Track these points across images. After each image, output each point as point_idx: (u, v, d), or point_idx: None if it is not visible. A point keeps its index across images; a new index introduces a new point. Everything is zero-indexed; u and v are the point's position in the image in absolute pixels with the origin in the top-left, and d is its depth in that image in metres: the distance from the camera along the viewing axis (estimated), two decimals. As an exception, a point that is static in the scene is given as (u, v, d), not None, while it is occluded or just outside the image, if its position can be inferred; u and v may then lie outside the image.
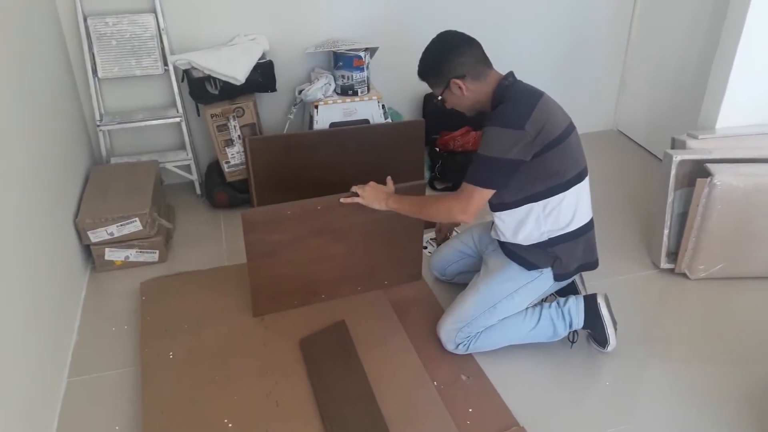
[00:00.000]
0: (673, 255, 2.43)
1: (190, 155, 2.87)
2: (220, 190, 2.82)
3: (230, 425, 1.74)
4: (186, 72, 2.66)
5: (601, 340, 2.02)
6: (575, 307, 1.99)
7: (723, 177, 2.21)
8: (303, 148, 2.78)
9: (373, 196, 1.99)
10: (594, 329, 2.02)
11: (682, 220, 2.38)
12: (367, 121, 2.85)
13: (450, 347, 1.99)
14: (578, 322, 1.99)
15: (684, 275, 2.42)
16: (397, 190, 2.05)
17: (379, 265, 2.28)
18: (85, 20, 2.57)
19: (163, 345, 2.02)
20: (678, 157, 2.31)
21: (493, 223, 1.98)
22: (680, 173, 2.34)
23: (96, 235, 2.37)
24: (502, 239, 1.95)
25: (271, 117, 2.99)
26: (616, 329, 2.01)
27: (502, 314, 1.95)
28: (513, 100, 1.78)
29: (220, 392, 1.85)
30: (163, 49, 2.68)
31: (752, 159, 2.31)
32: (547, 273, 1.93)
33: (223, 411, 1.78)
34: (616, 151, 3.47)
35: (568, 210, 1.85)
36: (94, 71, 2.65)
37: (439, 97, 1.92)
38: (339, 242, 2.16)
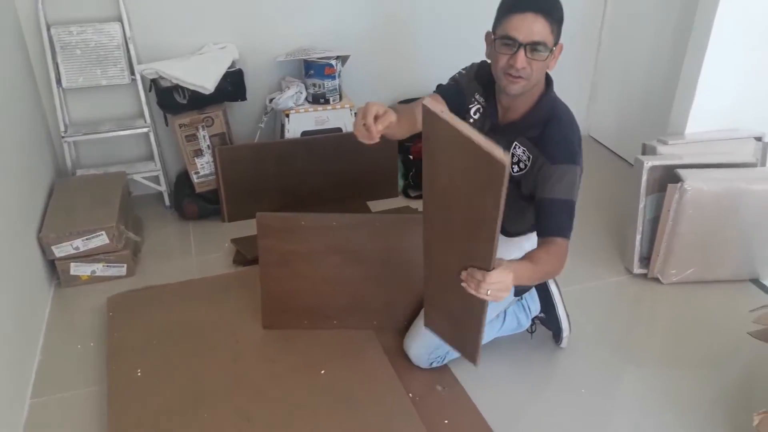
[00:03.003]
0: (646, 260, 2.44)
1: (159, 166, 2.81)
2: (189, 201, 2.77)
3: (200, 444, 1.70)
4: (153, 81, 2.61)
5: (555, 328, 2.05)
6: (530, 295, 2.02)
7: (693, 182, 2.23)
8: (274, 158, 2.75)
9: (504, 277, 1.31)
10: (547, 312, 2.04)
11: (654, 225, 2.39)
12: (339, 129, 2.82)
13: (423, 366, 1.96)
14: (536, 308, 2.03)
15: (656, 280, 2.43)
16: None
17: (398, 301, 2.08)
18: (48, 29, 2.50)
19: (131, 362, 1.96)
20: (649, 162, 2.32)
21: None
22: (651, 179, 2.35)
23: (60, 250, 2.30)
24: None
25: (241, 127, 2.95)
26: (570, 322, 2.04)
27: None
28: (568, 122, 1.63)
29: (189, 410, 1.79)
30: (129, 58, 2.63)
31: (721, 164, 2.33)
32: (533, 294, 1.98)
33: (193, 429, 1.73)
34: (588, 157, 3.42)
35: None
36: (58, 81, 2.59)
37: (550, 46, 1.52)
38: (355, 265, 2.02)
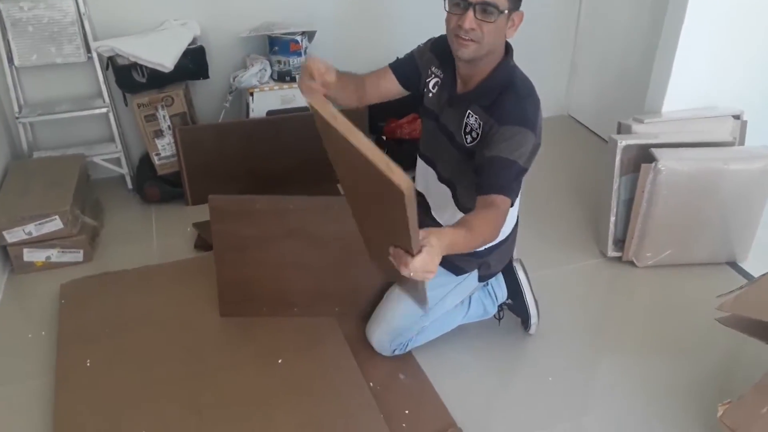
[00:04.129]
0: (621, 243, 2.37)
1: (120, 147, 2.71)
2: (150, 184, 2.67)
3: (148, 437, 1.62)
4: (110, 59, 2.50)
5: (523, 315, 1.99)
6: (496, 281, 1.95)
7: (667, 162, 2.15)
8: (238, 138, 2.65)
9: (428, 262, 1.16)
10: (515, 299, 1.98)
11: (629, 206, 2.32)
12: (306, 108, 2.72)
13: (385, 354, 1.89)
14: (502, 294, 1.97)
15: (631, 263, 2.36)
16: None
17: (360, 286, 1.99)
18: (-4, 5, 2.38)
19: (81, 352, 1.87)
20: (623, 142, 2.24)
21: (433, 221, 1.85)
22: (625, 158, 2.27)
23: (12, 235, 2.21)
24: None
25: (205, 106, 2.84)
26: (538, 309, 1.97)
27: (433, 317, 1.86)
28: (526, 92, 1.54)
29: (139, 402, 1.72)
30: (85, 35, 2.50)
31: (697, 143, 2.26)
32: (473, 274, 1.86)
33: (142, 421, 1.66)
34: (567, 137, 3.41)
35: (510, 219, 1.78)
36: (10, 59, 2.47)
37: (501, 9, 1.42)
38: (315, 250, 1.93)
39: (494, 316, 2.01)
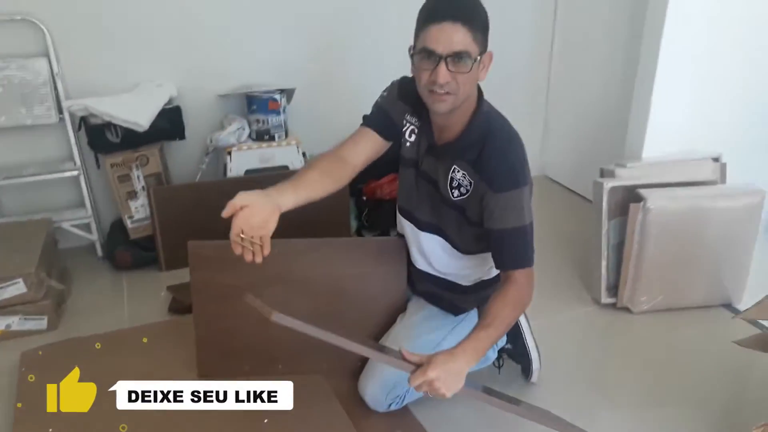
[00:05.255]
0: (614, 289, 2.31)
1: (90, 213, 2.60)
2: (122, 249, 2.54)
3: None
4: (83, 119, 2.43)
5: (524, 362, 1.89)
6: None
7: (656, 201, 2.13)
8: (215, 198, 2.49)
9: (451, 380, 1.32)
10: (515, 344, 1.88)
11: (619, 251, 2.27)
12: (286, 167, 2.67)
13: (380, 410, 1.75)
14: (502, 339, 1.83)
15: (626, 309, 2.29)
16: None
17: (351, 338, 1.91)
18: (-34, 65, 2.33)
19: (42, 424, 1.69)
20: (609, 184, 2.23)
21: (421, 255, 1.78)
22: (612, 201, 2.25)
23: (-30, 302, 2.05)
24: (437, 275, 1.76)
25: (181, 169, 2.77)
26: (539, 353, 1.88)
27: None
28: (507, 137, 1.49)
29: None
30: (57, 96, 2.45)
31: (684, 182, 2.25)
32: (473, 314, 1.77)
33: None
34: (545, 197, 3.40)
35: None
36: (-23, 121, 2.39)
37: (473, 56, 1.35)
38: (302, 297, 1.82)
39: (494, 363, 1.90)
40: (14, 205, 2.60)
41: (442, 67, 1.34)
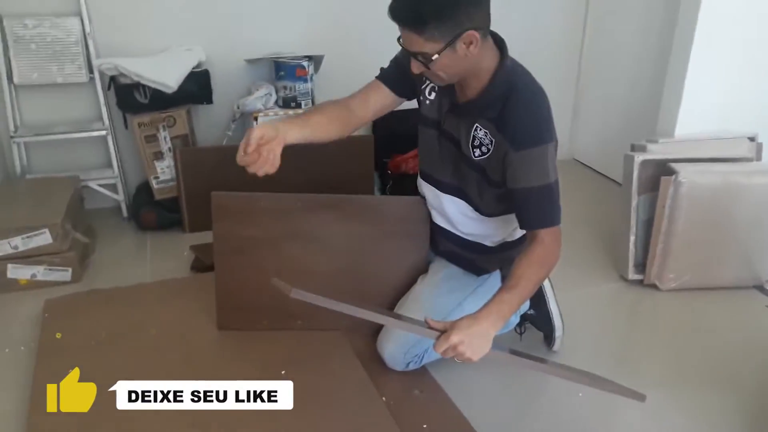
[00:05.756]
0: (641, 266, 2.26)
1: (117, 173, 2.62)
2: (147, 210, 2.55)
3: None
4: (113, 79, 2.45)
5: (546, 329, 1.86)
6: None
7: (689, 174, 2.08)
8: (241, 163, 2.56)
9: (477, 344, 1.31)
10: (538, 310, 1.85)
11: (648, 228, 2.22)
12: (311, 135, 2.66)
13: (398, 368, 1.72)
14: (525, 305, 1.83)
15: (654, 286, 2.23)
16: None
17: (372, 296, 1.82)
18: (0, 21, 2.35)
19: (64, 362, 1.69)
20: (640, 157, 2.18)
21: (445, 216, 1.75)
22: (643, 176, 2.20)
23: (-3, 249, 2.07)
24: (460, 235, 1.73)
25: (207, 135, 2.78)
26: (563, 320, 1.84)
27: None
28: (530, 95, 1.44)
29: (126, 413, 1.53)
30: (88, 55, 2.48)
31: (717, 158, 2.19)
32: (495, 276, 1.74)
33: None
34: (574, 181, 3.34)
35: None
36: (10, 77, 2.42)
37: (431, 57, 1.32)
38: (321, 255, 1.80)
39: (515, 329, 1.87)
40: (43, 163, 2.63)
41: (413, 61, 1.38)
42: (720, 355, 1.91)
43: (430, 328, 1.33)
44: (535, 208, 1.44)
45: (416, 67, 1.38)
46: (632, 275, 2.26)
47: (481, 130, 1.49)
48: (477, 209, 1.62)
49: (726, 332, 2.02)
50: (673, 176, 2.08)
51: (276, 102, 2.63)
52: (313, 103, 2.67)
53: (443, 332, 1.30)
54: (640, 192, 2.21)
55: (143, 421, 1.49)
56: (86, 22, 2.44)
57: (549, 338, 1.86)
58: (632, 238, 2.23)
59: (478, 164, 1.52)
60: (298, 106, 2.62)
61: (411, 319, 1.50)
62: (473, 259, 1.71)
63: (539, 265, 1.41)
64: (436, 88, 1.58)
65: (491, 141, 1.47)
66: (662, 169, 2.16)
